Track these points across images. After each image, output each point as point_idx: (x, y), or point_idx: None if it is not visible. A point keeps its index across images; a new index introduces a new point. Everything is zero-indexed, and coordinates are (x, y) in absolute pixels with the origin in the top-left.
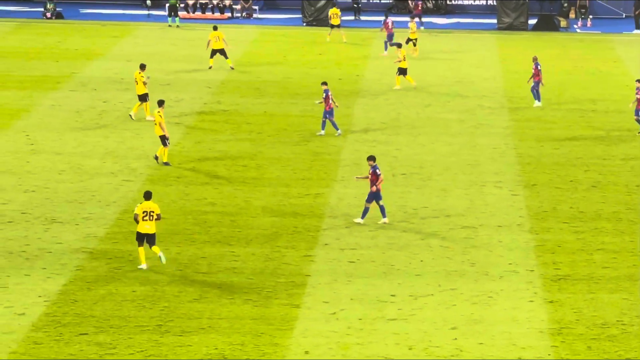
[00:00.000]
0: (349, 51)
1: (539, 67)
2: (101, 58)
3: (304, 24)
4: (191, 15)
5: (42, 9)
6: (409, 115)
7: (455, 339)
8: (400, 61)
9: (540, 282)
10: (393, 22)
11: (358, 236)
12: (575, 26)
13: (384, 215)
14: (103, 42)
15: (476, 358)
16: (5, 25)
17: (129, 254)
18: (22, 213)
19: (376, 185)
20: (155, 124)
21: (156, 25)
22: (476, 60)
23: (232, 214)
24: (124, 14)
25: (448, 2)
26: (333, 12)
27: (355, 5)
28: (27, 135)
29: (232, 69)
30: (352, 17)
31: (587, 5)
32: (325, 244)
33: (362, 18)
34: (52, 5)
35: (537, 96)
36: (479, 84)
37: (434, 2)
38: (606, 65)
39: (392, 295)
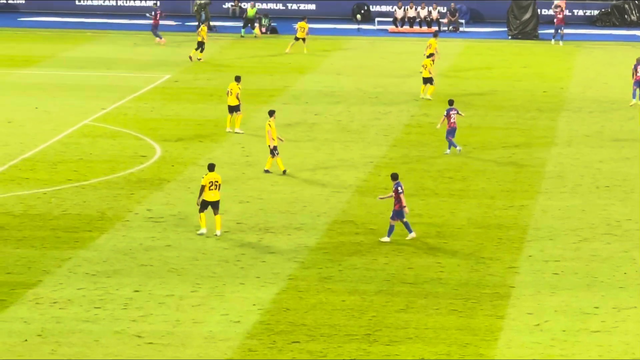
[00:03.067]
0: (553, 64)
1: (639, 68)
2: (312, 72)
3: (509, 37)
4: (399, 29)
5: (258, 24)
6: (613, 128)
7: None
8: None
9: None
10: (161, 13)
11: (562, 248)
12: None
13: (410, 231)
14: (314, 56)
15: None
16: (223, 40)
17: (339, 263)
18: (238, 223)
19: (399, 204)
20: (265, 134)
21: (365, 39)
22: None
23: (438, 225)
24: (334, 29)
25: None
26: (301, 25)
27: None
28: (243, 147)
29: (200, 59)
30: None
31: None
32: (530, 256)
33: (566, 31)
34: (267, 21)
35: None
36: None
37: (637, 15)
38: None
39: (595, 307)
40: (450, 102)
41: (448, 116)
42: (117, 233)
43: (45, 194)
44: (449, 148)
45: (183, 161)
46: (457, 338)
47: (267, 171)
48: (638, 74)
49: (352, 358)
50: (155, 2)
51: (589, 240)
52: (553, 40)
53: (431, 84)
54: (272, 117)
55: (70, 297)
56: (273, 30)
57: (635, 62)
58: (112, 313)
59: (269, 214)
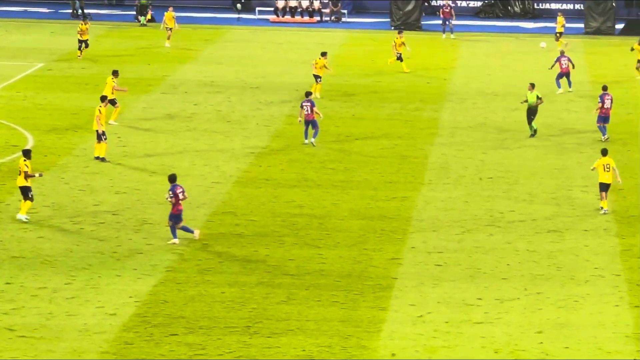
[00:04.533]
0: (436, 55)
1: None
2: (192, 61)
3: (392, 27)
4: (281, 19)
5: (135, 13)
6: (496, 119)
7: (541, 342)
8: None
9: (626, 287)
10: None
11: (445, 239)
12: None
13: (174, 236)
14: (194, 46)
15: None
16: (98, 29)
17: (218, 255)
18: (114, 214)
19: (176, 207)
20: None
21: (246, 29)
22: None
23: (321, 216)
24: (214, 18)
25: (535, 7)
26: (169, 15)
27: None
28: (119, 138)
29: (79, 57)
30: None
31: None
32: (412, 247)
33: (455, 22)
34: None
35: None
36: (566, 88)
37: (521, 6)
38: None
39: (478, 299)
40: (307, 94)
41: (302, 107)
42: None
43: None
44: (306, 138)
45: (57, 151)
46: (339, 330)
47: (101, 159)
48: (563, 66)
49: (232, 351)
50: None
51: (472, 232)
52: (444, 34)
53: (318, 82)
54: (104, 103)
55: None
56: (151, 19)
57: (559, 55)
58: None
59: (146, 205)
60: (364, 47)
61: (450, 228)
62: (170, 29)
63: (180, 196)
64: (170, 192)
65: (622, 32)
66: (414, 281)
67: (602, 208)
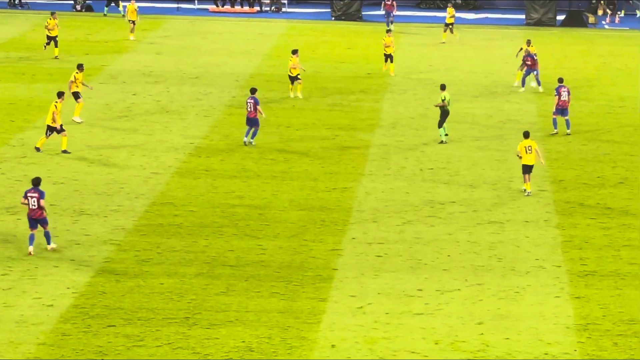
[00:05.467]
0: (377, 46)
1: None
2: (131, 51)
3: (333, 18)
4: (220, 9)
5: (72, 2)
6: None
7: (482, 334)
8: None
9: (567, 278)
10: None
11: (385, 230)
12: (603, 22)
13: (48, 242)
14: (133, 35)
15: (502, 353)
16: (35, 18)
17: (157, 246)
18: (51, 205)
19: (33, 212)
20: (50, 113)
21: (186, 19)
22: (504, 55)
23: (260, 207)
24: (153, 7)
25: None
26: (131, 7)
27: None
28: None
29: (57, 58)
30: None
31: (615, 1)
32: (353, 238)
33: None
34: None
35: (538, 82)
36: (507, 79)
37: None
38: (634, 61)
39: (419, 290)
40: (252, 91)
41: (246, 104)
42: None
43: None
44: (246, 137)
45: None
46: (278, 321)
47: (37, 149)
48: (528, 62)
49: (171, 342)
50: None
51: (412, 223)
52: (387, 28)
53: (296, 81)
54: (60, 99)
55: None
56: (88, 8)
57: (525, 51)
58: None
59: (84, 196)
60: (304, 38)
61: (390, 219)
62: (134, 21)
63: (30, 202)
64: (23, 195)
65: (563, 24)
66: (355, 272)
67: (525, 190)
